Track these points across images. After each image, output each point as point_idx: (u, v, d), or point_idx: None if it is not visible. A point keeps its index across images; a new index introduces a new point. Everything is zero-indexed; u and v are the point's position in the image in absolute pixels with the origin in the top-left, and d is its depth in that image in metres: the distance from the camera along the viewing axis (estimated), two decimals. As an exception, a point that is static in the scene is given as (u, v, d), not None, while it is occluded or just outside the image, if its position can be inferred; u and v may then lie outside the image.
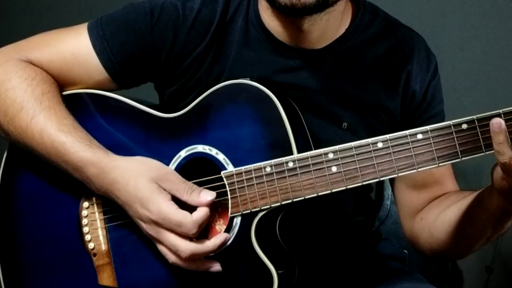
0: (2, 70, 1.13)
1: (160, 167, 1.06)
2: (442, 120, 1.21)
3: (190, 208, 1.03)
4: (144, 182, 1.03)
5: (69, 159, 1.06)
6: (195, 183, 1.07)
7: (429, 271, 1.66)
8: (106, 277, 1.12)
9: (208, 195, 1.04)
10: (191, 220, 1.01)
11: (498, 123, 0.90)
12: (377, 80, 1.17)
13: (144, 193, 1.02)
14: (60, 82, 1.16)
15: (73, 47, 1.16)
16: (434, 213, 1.15)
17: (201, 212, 1.02)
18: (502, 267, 2.07)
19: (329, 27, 1.15)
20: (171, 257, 1.04)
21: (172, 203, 1.02)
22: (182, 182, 1.05)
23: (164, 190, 1.03)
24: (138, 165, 1.06)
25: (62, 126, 1.08)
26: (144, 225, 1.04)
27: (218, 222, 1.12)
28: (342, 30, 1.17)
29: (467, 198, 1.07)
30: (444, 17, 2.13)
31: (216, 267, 1.05)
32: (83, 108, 1.16)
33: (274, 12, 1.13)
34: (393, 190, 1.26)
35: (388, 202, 1.58)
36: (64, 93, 1.17)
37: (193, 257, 1.03)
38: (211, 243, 1.03)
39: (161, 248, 1.05)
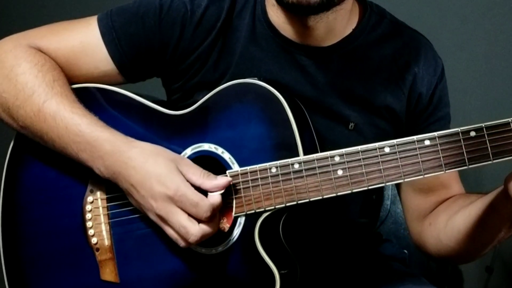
0: (12, 55, 1.13)
1: (175, 152, 1.06)
2: (448, 124, 1.21)
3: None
4: (163, 160, 1.02)
5: (83, 140, 1.05)
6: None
7: (429, 271, 1.66)
8: (108, 272, 1.12)
9: (224, 179, 1.03)
10: (208, 202, 1.00)
11: None
12: (384, 81, 1.17)
13: (163, 169, 1.01)
14: (66, 72, 1.16)
15: (81, 37, 1.16)
16: (443, 220, 1.15)
17: (217, 197, 1.01)
18: (502, 267, 2.07)
19: (336, 25, 1.14)
20: (183, 243, 1.02)
21: (189, 184, 1.01)
22: (198, 167, 1.04)
23: (181, 172, 1.02)
24: (156, 147, 1.06)
25: (75, 109, 1.08)
26: (154, 205, 1.01)
27: (222, 221, 1.12)
28: (349, 30, 1.17)
29: (476, 204, 1.07)
30: (445, 18, 2.12)
31: None
32: (89, 102, 1.15)
33: (280, 9, 1.13)
34: (399, 194, 1.26)
35: (388, 202, 1.58)
36: (73, 86, 1.16)
37: (201, 240, 1.02)
38: (216, 224, 1.03)
39: (169, 231, 1.03)
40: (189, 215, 1.00)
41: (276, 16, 1.15)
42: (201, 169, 1.04)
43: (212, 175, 1.03)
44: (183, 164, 1.03)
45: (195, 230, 1.00)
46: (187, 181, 1.02)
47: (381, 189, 1.53)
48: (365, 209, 1.28)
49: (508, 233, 1.06)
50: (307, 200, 1.01)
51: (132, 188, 1.04)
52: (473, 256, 1.15)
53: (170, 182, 1.00)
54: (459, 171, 1.19)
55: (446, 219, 1.14)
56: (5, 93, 1.11)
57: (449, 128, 0.99)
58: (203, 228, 1.01)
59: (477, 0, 2.09)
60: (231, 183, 1.04)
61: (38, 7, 2.59)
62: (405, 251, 1.42)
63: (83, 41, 1.16)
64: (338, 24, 1.15)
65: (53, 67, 1.13)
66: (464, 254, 1.14)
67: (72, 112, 1.07)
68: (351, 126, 1.15)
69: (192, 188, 1.00)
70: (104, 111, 1.15)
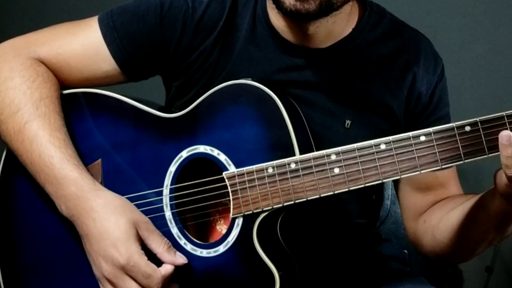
0: (8, 67, 1.13)
1: (141, 213, 1.05)
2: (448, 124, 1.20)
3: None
4: (125, 222, 1.01)
5: (52, 173, 1.05)
6: (196, 183, 1.07)
7: (429, 271, 1.66)
8: (106, 277, 1.12)
9: (182, 259, 1.04)
10: (160, 275, 1.00)
11: (507, 135, 0.88)
12: (382, 80, 1.16)
13: (121, 234, 1.00)
14: (68, 76, 1.16)
15: (83, 38, 1.16)
16: (437, 216, 1.15)
17: (170, 269, 1.02)
18: (502, 267, 2.07)
19: (335, 28, 1.14)
20: None
21: (143, 253, 1.01)
22: (161, 236, 1.04)
23: (140, 237, 1.02)
24: (122, 203, 1.04)
25: (53, 139, 1.07)
26: (104, 266, 1.01)
27: (219, 223, 1.12)
28: (348, 30, 1.17)
29: (469, 201, 1.06)
30: (445, 17, 2.13)
31: None
32: (84, 108, 1.16)
33: (280, 13, 1.13)
34: (397, 193, 1.25)
35: (388, 202, 1.58)
36: (65, 92, 1.16)
37: None
38: None
39: None
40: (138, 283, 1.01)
41: (276, 19, 1.15)
42: (163, 238, 1.04)
43: (172, 248, 1.04)
44: (145, 230, 1.03)
45: None
46: (147, 245, 1.02)
47: (381, 189, 1.53)
48: (365, 209, 1.28)
49: (498, 235, 1.05)
50: (305, 199, 1.01)
51: (86, 238, 1.04)
52: (467, 255, 1.14)
53: (124, 249, 1.00)
54: (459, 172, 1.21)
55: (441, 215, 1.13)
56: None
57: None
58: None
59: (478, 1, 2.10)
60: (229, 184, 1.04)
61: (39, 7, 2.60)
62: (405, 251, 1.41)
63: (85, 42, 1.16)
64: (337, 27, 1.15)
65: (44, 81, 1.12)
66: (457, 252, 1.13)
67: (49, 141, 1.06)
68: (347, 124, 1.15)
69: (145, 259, 1.00)
70: (98, 117, 1.16)
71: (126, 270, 1.00)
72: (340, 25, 1.15)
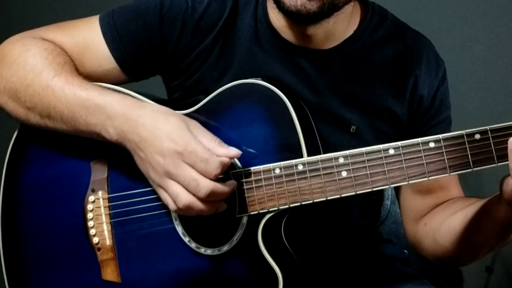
0: (20, 43, 1.12)
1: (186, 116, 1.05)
2: (449, 126, 1.20)
3: None
4: (174, 118, 1.01)
5: (92, 103, 1.04)
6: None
7: (429, 271, 1.66)
8: (109, 272, 1.12)
9: (235, 151, 1.01)
10: (217, 159, 0.98)
11: None
12: (385, 83, 1.16)
13: (174, 127, 0.99)
14: None
15: (84, 34, 1.16)
16: (439, 220, 1.15)
17: (226, 158, 0.99)
18: (502, 267, 2.07)
19: (336, 29, 1.14)
20: (186, 197, 0.98)
21: (199, 140, 0.99)
22: (210, 133, 1.03)
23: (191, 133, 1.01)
24: (168, 109, 1.04)
25: (84, 82, 1.07)
26: (162, 161, 0.99)
27: (224, 222, 1.11)
28: (350, 32, 1.16)
29: (473, 206, 1.06)
30: (446, 19, 2.12)
31: (223, 206, 1.03)
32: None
33: (280, 13, 1.12)
34: (397, 195, 1.25)
35: (388, 202, 1.58)
36: None
37: (209, 197, 0.99)
38: (227, 185, 1.01)
39: (175, 187, 0.99)
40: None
41: (277, 19, 1.15)
42: (212, 134, 1.02)
43: (223, 143, 1.02)
44: (195, 126, 1.02)
45: (206, 182, 0.98)
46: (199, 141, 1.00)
47: (381, 189, 1.53)
48: (366, 209, 1.28)
49: (500, 241, 1.05)
50: (311, 202, 1.01)
51: (140, 144, 1.01)
52: (468, 259, 1.15)
53: (180, 138, 0.98)
54: (460, 174, 1.20)
55: (443, 218, 1.13)
56: (13, 77, 1.10)
57: (450, 131, 0.99)
58: (214, 184, 0.98)
59: (478, 1, 2.09)
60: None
61: (39, 9, 2.59)
62: (405, 251, 1.41)
63: (86, 38, 1.16)
64: (338, 28, 1.14)
65: (62, 53, 1.13)
66: (459, 256, 1.13)
67: (81, 82, 1.07)
68: (353, 129, 1.15)
69: (202, 145, 0.99)
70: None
71: (184, 157, 0.98)
72: (341, 26, 1.14)
